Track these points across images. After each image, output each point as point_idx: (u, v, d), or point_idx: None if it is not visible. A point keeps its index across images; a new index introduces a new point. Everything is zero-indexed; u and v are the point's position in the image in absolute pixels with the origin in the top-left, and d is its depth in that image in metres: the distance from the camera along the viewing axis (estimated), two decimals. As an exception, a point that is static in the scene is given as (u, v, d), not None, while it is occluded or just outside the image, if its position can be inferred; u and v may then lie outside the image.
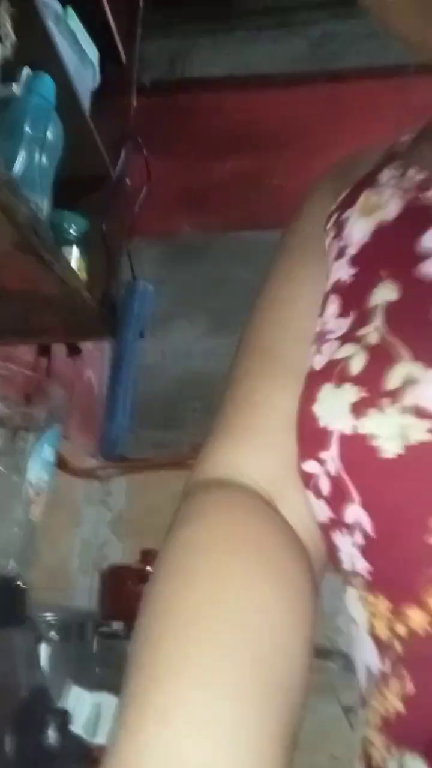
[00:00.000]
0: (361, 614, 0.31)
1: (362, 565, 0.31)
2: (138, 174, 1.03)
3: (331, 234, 0.40)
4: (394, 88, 1.99)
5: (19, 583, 0.49)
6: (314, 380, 0.34)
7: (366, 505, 0.30)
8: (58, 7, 0.85)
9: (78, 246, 0.87)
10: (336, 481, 0.31)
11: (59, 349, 0.98)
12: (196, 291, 1.84)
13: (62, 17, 0.85)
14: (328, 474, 0.32)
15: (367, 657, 0.31)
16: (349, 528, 0.31)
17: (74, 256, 0.85)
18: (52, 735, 0.43)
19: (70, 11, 0.86)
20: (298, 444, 0.34)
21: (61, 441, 1.27)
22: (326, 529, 0.33)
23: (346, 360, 0.32)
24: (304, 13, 1.97)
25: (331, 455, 0.31)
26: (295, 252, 0.43)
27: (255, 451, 0.35)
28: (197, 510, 0.34)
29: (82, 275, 0.86)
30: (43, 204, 0.72)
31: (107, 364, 1.24)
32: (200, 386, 1.76)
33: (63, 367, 1.24)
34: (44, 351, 0.92)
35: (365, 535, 0.30)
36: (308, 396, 0.33)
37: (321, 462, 0.32)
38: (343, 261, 0.38)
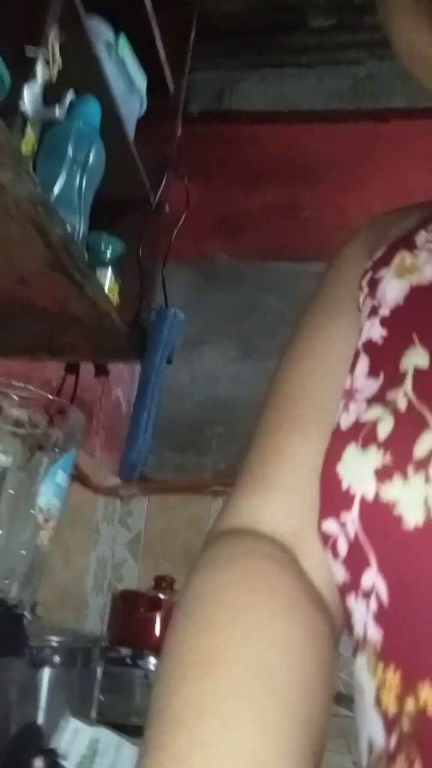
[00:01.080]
0: (369, 685, 0.30)
1: (375, 633, 0.30)
2: (177, 201, 1.04)
3: (365, 291, 0.40)
4: (430, 129, 2.01)
5: (21, 611, 0.48)
6: (340, 439, 0.33)
7: (383, 572, 0.29)
8: (110, 34, 0.87)
9: (113, 268, 0.88)
10: (354, 545, 0.31)
11: (87, 369, 0.98)
12: (225, 317, 1.85)
13: (113, 45, 0.87)
14: (347, 536, 0.31)
15: (372, 730, 0.30)
16: (365, 593, 0.31)
17: (108, 278, 0.86)
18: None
19: (122, 39, 0.89)
20: (320, 502, 0.33)
21: (83, 458, 1.27)
22: (342, 591, 0.33)
23: (373, 423, 0.32)
24: (350, 53, 1.99)
25: (352, 518, 0.31)
26: (327, 305, 0.43)
27: (277, 504, 0.36)
28: (217, 556, 0.34)
29: (115, 297, 0.87)
30: (79, 225, 0.73)
31: (136, 385, 1.24)
32: (225, 411, 1.75)
33: (91, 385, 1.24)
34: (72, 369, 0.93)
35: (380, 603, 0.30)
36: (333, 455, 0.33)
37: (341, 523, 0.32)
38: (376, 321, 0.38)
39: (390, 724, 0.28)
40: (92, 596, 1.49)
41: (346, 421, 0.34)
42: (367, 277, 0.41)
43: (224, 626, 0.30)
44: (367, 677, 0.30)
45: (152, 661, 1.03)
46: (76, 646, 0.65)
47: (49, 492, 0.50)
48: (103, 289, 0.76)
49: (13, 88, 0.56)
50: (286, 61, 2.06)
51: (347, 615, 0.32)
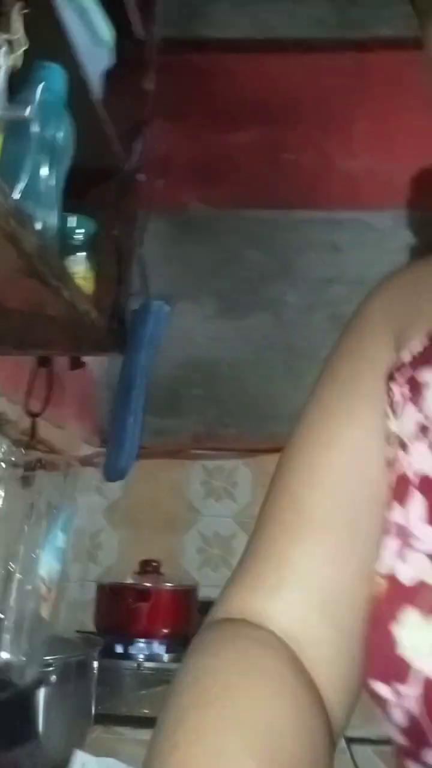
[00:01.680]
0: None
1: None
2: (153, 166, 0.93)
3: (404, 391, 0.38)
4: (421, 63, 1.87)
5: (31, 690, 0.45)
6: (398, 595, 0.31)
7: None
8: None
9: (87, 252, 0.79)
10: (416, 723, 0.28)
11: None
12: (203, 271, 1.75)
13: (74, -10, 0.75)
14: (405, 709, 0.29)
15: None
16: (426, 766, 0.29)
17: (82, 265, 0.77)
18: None
19: (84, -17, 0.76)
20: (367, 658, 0.32)
21: (53, 433, 1.21)
22: (399, 751, 0.31)
23: None
24: (331, -28, 1.81)
25: (413, 693, 0.28)
26: (343, 382, 0.41)
27: (272, 606, 0.36)
28: (213, 639, 0.35)
29: (90, 286, 0.78)
30: (51, 218, 0.64)
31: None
32: (204, 373, 1.69)
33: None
34: (45, 362, 0.86)
35: None
36: (388, 611, 0.31)
37: (395, 692, 0.29)
38: (425, 445, 0.35)
39: None
40: (71, 565, 1.47)
41: (404, 574, 0.32)
42: (406, 374, 0.38)
43: (217, 703, 0.31)
44: None
45: (141, 647, 1.03)
46: (71, 661, 0.62)
47: (51, 558, 0.45)
48: (81, 290, 0.69)
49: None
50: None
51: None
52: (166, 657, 1.02)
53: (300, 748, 0.30)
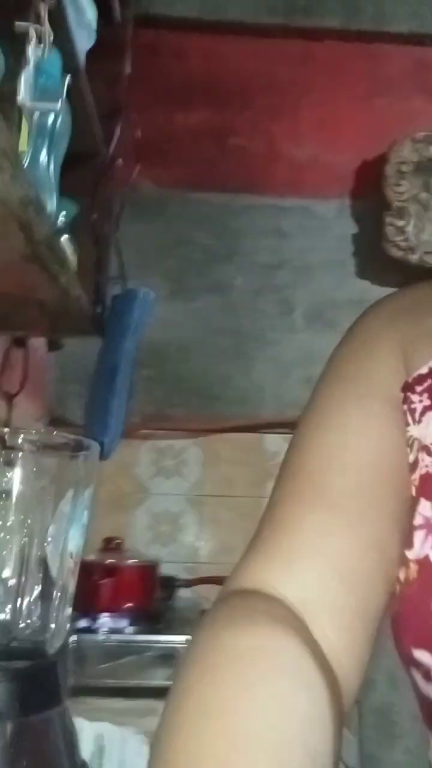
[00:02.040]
0: None
1: None
2: (128, 150, 0.94)
3: (425, 400, 0.41)
4: (366, 55, 1.94)
5: (56, 660, 0.47)
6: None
7: None
8: None
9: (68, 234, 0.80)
10: None
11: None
12: (151, 252, 1.75)
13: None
14: None
15: None
16: None
17: (68, 249, 0.78)
18: None
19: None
20: (409, 630, 0.35)
21: (4, 411, 1.20)
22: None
23: None
24: (282, -41, 1.83)
25: None
26: (349, 382, 0.44)
27: (288, 575, 0.37)
28: (226, 613, 0.35)
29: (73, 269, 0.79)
30: (51, 205, 0.64)
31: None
32: (153, 354, 1.70)
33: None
34: (20, 342, 0.85)
35: None
36: (427, 590, 0.35)
37: None
38: None
39: None
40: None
41: None
42: (425, 383, 0.41)
43: (226, 679, 0.31)
44: None
45: (105, 621, 1.06)
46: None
47: (77, 535, 0.48)
48: (76, 277, 0.70)
49: (6, 72, 0.46)
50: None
51: None
52: (129, 630, 1.06)
53: (308, 729, 0.30)
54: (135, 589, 1.09)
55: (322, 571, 0.37)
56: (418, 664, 0.35)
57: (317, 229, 1.81)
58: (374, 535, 0.39)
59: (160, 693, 1.12)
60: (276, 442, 1.68)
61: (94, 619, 1.03)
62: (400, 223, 1.74)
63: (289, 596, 0.36)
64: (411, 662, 0.35)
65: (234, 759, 0.27)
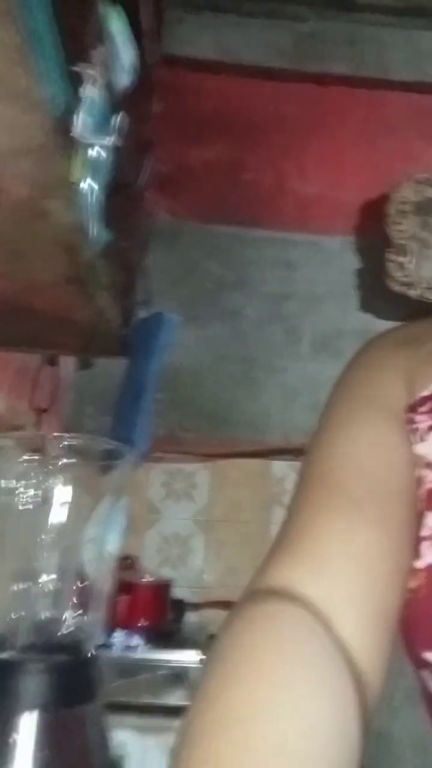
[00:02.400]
0: None
1: None
2: (154, 181, 1.00)
3: (428, 420, 0.44)
4: (369, 100, 2.03)
5: (93, 654, 0.50)
6: None
7: None
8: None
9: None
10: None
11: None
12: (165, 279, 1.80)
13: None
14: None
15: None
16: None
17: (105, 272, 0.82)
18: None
19: (116, 10, 0.81)
20: (419, 634, 0.37)
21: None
22: None
23: None
24: (294, 7, 1.94)
25: None
26: (359, 400, 0.46)
27: (311, 573, 0.38)
28: (250, 614, 0.35)
29: (104, 293, 0.83)
30: (94, 229, 0.69)
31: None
32: (165, 378, 1.74)
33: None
34: (52, 361, 0.89)
35: None
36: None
37: None
38: None
39: None
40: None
41: None
42: (428, 404, 0.44)
43: (250, 681, 0.31)
44: None
45: (118, 637, 1.07)
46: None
47: (116, 537, 0.51)
48: (111, 300, 0.74)
49: (66, 106, 0.51)
50: (227, 6, 1.96)
51: None
52: (142, 647, 1.07)
53: (332, 740, 0.30)
54: (149, 608, 1.10)
55: (348, 572, 0.38)
56: (427, 665, 0.37)
57: (323, 262, 1.87)
58: (393, 536, 0.40)
59: (172, 712, 1.13)
60: (282, 469, 1.71)
61: (109, 635, 1.04)
62: (401, 259, 1.80)
63: (314, 596, 0.37)
64: (422, 665, 0.37)
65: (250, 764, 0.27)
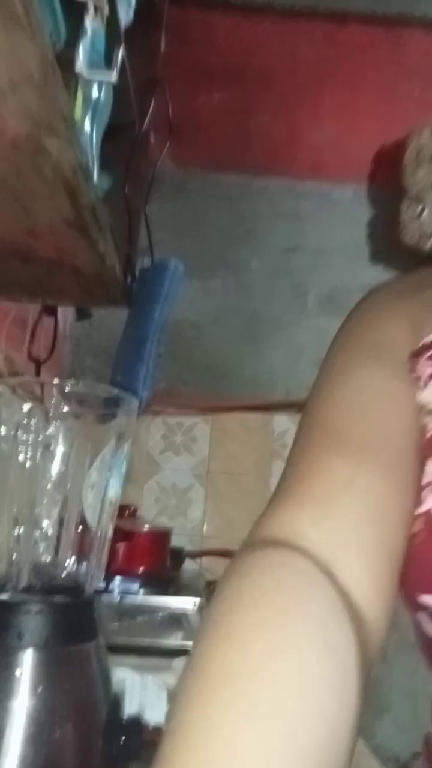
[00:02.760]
0: None
1: None
2: (160, 125, 0.96)
3: (429, 368, 0.43)
4: (392, 43, 1.94)
5: (94, 595, 0.51)
6: None
7: None
8: None
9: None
10: None
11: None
12: (168, 231, 1.76)
13: None
14: None
15: None
16: None
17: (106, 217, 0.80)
18: (131, 741, 0.47)
19: None
20: (417, 578, 0.38)
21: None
22: None
23: None
24: None
25: None
26: (361, 349, 0.46)
27: (315, 516, 0.37)
28: (250, 567, 0.35)
29: (106, 240, 0.82)
30: (95, 172, 0.67)
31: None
32: (167, 331, 1.73)
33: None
34: (51, 310, 0.88)
35: None
36: (430, 542, 0.38)
37: None
38: None
39: None
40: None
41: None
42: (431, 351, 0.44)
43: (247, 642, 0.30)
44: None
45: (117, 583, 1.10)
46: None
47: (117, 483, 0.51)
48: (113, 246, 0.72)
49: (66, 40, 0.48)
50: None
51: None
52: (141, 592, 1.10)
53: (329, 698, 0.30)
54: (148, 555, 1.12)
55: (351, 516, 0.37)
56: (424, 608, 0.38)
57: (334, 213, 1.82)
58: (397, 480, 0.40)
59: (170, 652, 1.16)
60: (283, 423, 1.71)
61: (108, 580, 1.07)
62: (416, 209, 1.76)
63: (316, 542, 0.36)
64: (417, 607, 0.38)
65: (244, 729, 0.27)
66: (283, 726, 0.27)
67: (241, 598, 0.32)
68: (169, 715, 0.29)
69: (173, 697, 0.31)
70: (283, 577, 0.34)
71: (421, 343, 0.44)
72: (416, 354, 0.44)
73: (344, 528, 0.37)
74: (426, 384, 0.43)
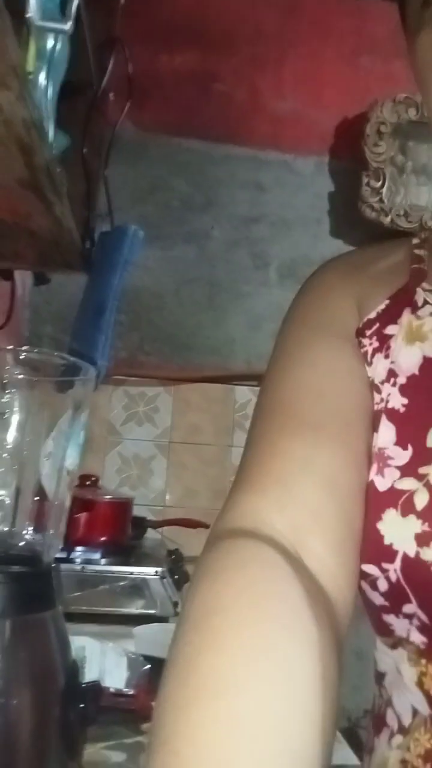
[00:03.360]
0: (410, 671, 0.39)
1: (418, 638, 0.39)
2: (119, 85, 0.93)
3: (373, 342, 0.45)
4: (353, 13, 1.92)
5: (52, 565, 0.50)
6: (379, 501, 0.39)
7: (422, 607, 0.37)
8: None
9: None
10: (395, 586, 0.38)
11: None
12: (126, 195, 1.72)
13: None
14: (388, 579, 0.38)
15: (415, 701, 0.39)
16: (406, 615, 0.38)
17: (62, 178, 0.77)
18: (89, 706, 0.47)
19: None
20: (362, 549, 0.39)
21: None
22: (378, 610, 0.40)
23: (410, 493, 0.38)
24: None
25: (394, 568, 0.38)
26: (312, 325, 0.46)
27: (277, 501, 0.38)
28: (222, 565, 0.35)
29: (62, 203, 0.79)
30: (50, 130, 0.64)
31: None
32: (127, 299, 1.70)
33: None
34: (6, 275, 0.85)
35: (422, 622, 0.38)
36: (374, 514, 0.39)
37: (383, 569, 0.38)
38: (395, 389, 0.42)
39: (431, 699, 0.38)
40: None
41: (382, 485, 0.40)
42: (374, 327, 0.45)
43: (229, 647, 0.30)
44: (407, 665, 0.39)
45: (78, 553, 1.10)
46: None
47: (74, 452, 0.50)
48: (70, 209, 0.70)
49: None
50: None
51: (384, 623, 0.40)
52: (102, 562, 1.10)
53: (311, 694, 0.30)
54: (109, 524, 1.12)
55: (312, 496, 0.38)
56: (366, 576, 0.39)
57: (295, 185, 1.81)
58: (353, 455, 0.40)
59: (131, 620, 1.17)
60: (244, 394, 1.72)
61: (70, 550, 1.06)
62: (376, 184, 1.77)
63: (281, 525, 0.37)
64: (361, 575, 0.39)
65: (234, 744, 0.27)
66: (274, 735, 0.28)
67: (218, 599, 0.32)
68: (156, 724, 0.29)
69: (157, 702, 0.30)
70: (256, 573, 0.34)
71: (365, 319, 0.45)
72: (361, 330, 0.45)
73: (307, 511, 0.37)
74: (371, 360, 0.44)
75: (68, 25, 0.56)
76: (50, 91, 0.64)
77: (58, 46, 0.64)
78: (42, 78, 0.63)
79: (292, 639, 0.31)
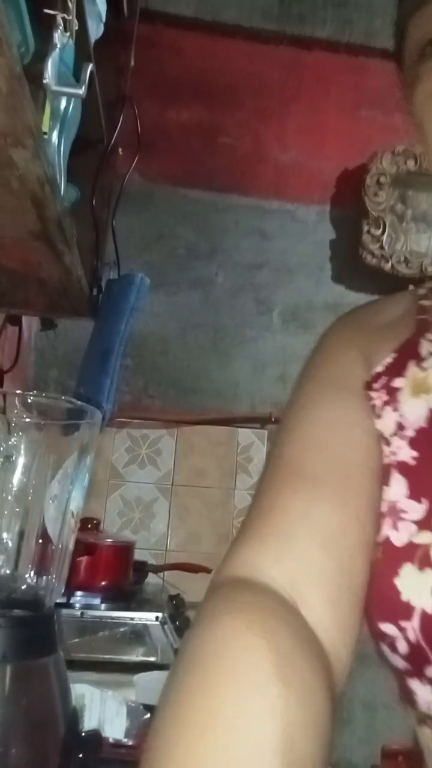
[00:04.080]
0: None
1: None
2: (128, 140, 0.97)
3: (382, 396, 0.45)
4: (353, 67, 2.00)
5: (53, 610, 0.50)
6: (395, 556, 0.39)
7: None
8: None
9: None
10: (415, 647, 0.37)
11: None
12: (134, 243, 1.77)
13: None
14: (407, 639, 0.37)
15: None
16: (430, 681, 0.37)
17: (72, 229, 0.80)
18: (89, 756, 0.46)
19: None
20: (376, 606, 0.39)
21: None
22: (401, 675, 0.39)
23: (426, 546, 0.38)
24: (279, -33, 1.88)
25: (413, 626, 0.37)
26: (321, 381, 0.48)
27: (275, 553, 0.38)
28: (219, 610, 0.35)
29: (72, 252, 0.82)
30: (62, 184, 0.67)
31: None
32: (133, 344, 1.73)
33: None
34: (15, 320, 0.87)
35: None
36: (390, 569, 0.39)
37: (401, 628, 0.37)
38: (404, 442, 0.43)
39: None
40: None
41: (398, 539, 0.40)
42: (382, 380, 0.46)
43: (222, 687, 0.31)
44: None
45: (78, 597, 1.09)
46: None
47: (79, 496, 0.51)
48: (79, 258, 0.72)
49: (34, 54, 0.48)
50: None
51: (408, 691, 0.39)
52: (102, 607, 1.09)
53: (300, 736, 0.31)
54: (110, 568, 1.11)
55: (310, 550, 0.38)
56: (384, 636, 0.38)
57: (298, 232, 1.86)
58: (354, 510, 0.40)
59: (131, 668, 1.14)
60: (247, 436, 1.72)
61: (69, 594, 1.05)
62: (377, 231, 1.81)
63: (278, 578, 0.37)
64: (379, 636, 0.39)
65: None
66: (270, 763, 0.28)
67: (213, 643, 0.33)
68: (147, 758, 0.29)
69: (148, 738, 0.31)
70: (253, 618, 0.34)
71: (373, 372, 0.46)
72: (370, 383, 0.46)
73: (303, 564, 0.38)
74: (379, 413, 0.44)
75: (82, 90, 0.59)
76: (63, 148, 0.68)
77: (71, 107, 0.68)
78: (55, 136, 0.66)
79: (284, 682, 0.32)
